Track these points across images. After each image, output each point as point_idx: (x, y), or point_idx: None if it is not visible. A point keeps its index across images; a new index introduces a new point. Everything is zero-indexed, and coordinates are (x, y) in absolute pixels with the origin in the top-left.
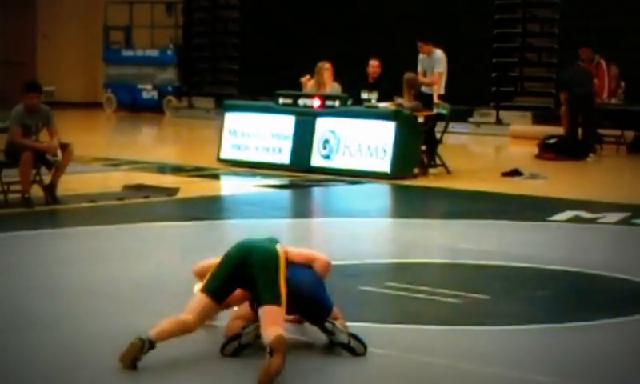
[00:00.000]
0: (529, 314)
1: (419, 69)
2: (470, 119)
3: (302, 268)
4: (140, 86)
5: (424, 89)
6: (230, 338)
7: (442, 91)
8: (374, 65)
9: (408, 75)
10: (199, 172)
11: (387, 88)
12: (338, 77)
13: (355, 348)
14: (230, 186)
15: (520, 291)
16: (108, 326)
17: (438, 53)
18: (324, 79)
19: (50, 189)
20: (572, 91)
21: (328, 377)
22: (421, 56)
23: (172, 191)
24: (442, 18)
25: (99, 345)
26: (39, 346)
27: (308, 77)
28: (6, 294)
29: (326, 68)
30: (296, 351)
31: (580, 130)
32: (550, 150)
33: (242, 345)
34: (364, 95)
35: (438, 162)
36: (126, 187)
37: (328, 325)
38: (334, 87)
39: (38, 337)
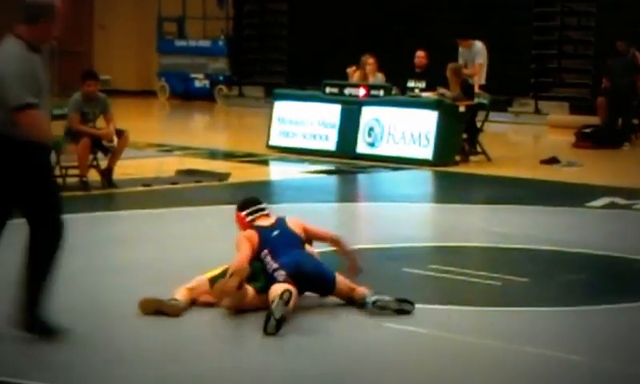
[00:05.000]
0: (565, 297)
1: (460, 61)
2: (510, 109)
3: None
4: (192, 75)
5: None
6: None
7: (483, 81)
8: (420, 56)
9: (453, 64)
10: (249, 158)
11: (435, 78)
12: (382, 67)
13: (406, 308)
14: (279, 171)
15: (557, 274)
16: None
17: (478, 44)
18: (367, 72)
19: (107, 173)
20: (615, 80)
21: (373, 357)
22: (461, 49)
23: (223, 176)
24: (484, 10)
25: (153, 322)
26: (94, 322)
27: (354, 68)
28: (63, 273)
29: (369, 63)
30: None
31: (620, 119)
32: (586, 139)
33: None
34: (410, 84)
35: (478, 149)
36: (179, 172)
37: (378, 303)
38: (377, 77)
39: (91, 314)
